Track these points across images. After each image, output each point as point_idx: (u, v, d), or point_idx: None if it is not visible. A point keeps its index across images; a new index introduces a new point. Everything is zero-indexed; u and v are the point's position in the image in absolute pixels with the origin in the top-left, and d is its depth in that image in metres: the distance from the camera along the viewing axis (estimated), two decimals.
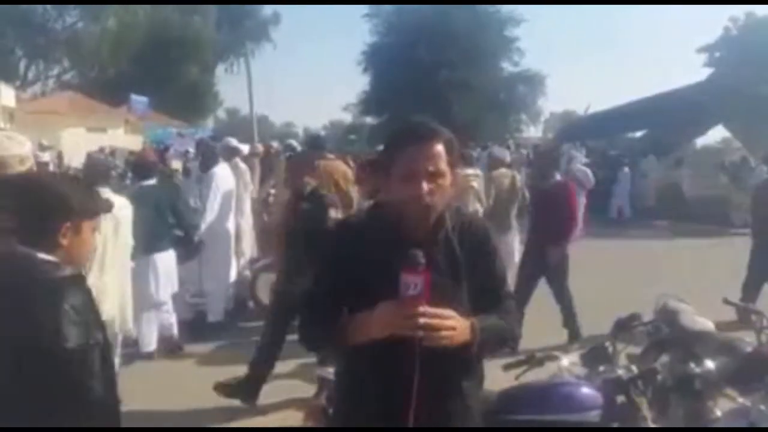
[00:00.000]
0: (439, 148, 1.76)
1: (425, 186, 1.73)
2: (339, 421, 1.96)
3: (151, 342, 5.54)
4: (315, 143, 7.07)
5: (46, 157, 8.22)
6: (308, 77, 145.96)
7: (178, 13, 33.90)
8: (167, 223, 5.59)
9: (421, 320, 1.62)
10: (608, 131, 21.19)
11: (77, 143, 15.57)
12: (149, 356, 5.50)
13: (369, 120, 33.04)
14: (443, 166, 1.76)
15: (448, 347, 1.67)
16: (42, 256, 1.59)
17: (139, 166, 5.92)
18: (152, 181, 5.63)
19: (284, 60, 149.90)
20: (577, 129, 23.46)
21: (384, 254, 1.71)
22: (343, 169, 6.44)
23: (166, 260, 5.61)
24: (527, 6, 30.03)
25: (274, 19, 39.36)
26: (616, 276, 8.34)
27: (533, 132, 35.24)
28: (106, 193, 4.47)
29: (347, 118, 38.65)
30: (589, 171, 12.10)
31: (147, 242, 5.19)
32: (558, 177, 6.08)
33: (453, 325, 1.68)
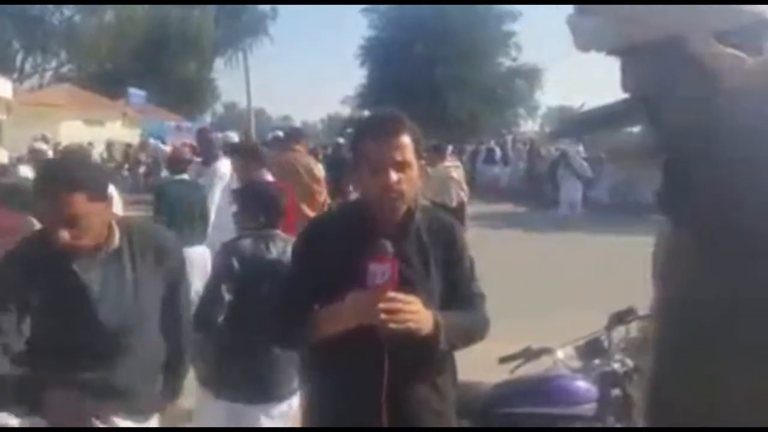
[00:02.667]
0: (406, 139, 1.78)
1: (393, 176, 1.74)
2: (313, 415, 1.95)
3: None
4: (290, 135, 6.85)
5: (44, 146, 8.17)
6: (306, 71, 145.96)
7: (177, 7, 33.77)
8: (200, 216, 5.62)
9: (386, 305, 1.62)
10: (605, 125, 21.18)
11: (75, 136, 15.54)
12: None
13: (367, 114, 33.02)
14: (410, 156, 1.77)
15: (414, 339, 1.68)
16: None
17: (173, 161, 6.03)
18: (185, 176, 5.73)
19: (282, 54, 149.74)
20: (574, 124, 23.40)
21: (354, 248, 1.72)
22: (305, 162, 6.31)
23: (200, 254, 5.62)
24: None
25: (271, 14, 39.24)
26: (612, 270, 8.35)
27: (530, 126, 35.24)
28: None
29: (345, 111, 38.65)
30: (585, 163, 12.38)
31: (180, 236, 5.21)
32: None
33: (415, 309, 1.67)
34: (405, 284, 1.70)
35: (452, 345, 1.82)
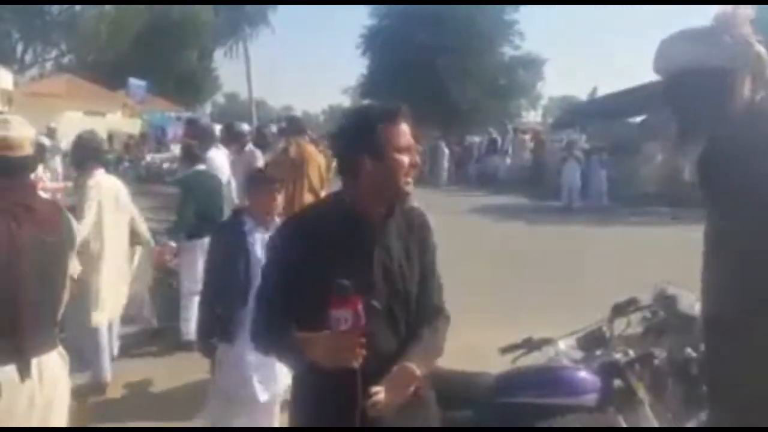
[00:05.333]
0: (409, 128, 1.82)
1: (407, 159, 1.78)
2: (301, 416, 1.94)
3: (190, 331, 5.06)
4: (290, 126, 6.70)
5: (45, 141, 8.16)
6: (307, 61, 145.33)
7: None
8: (217, 207, 5.64)
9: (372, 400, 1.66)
10: (608, 116, 21.11)
11: (75, 127, 15.46)
12: (189, 346, 4.96)
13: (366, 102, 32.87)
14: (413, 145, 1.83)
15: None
16: None
17: (188, 153, 6.02)
18: (203, 167, 5.73)
19: (283, 44, 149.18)
20: (577, 114, 23.34)
21: (340, 236, 1.76)
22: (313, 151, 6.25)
23: None
24: None
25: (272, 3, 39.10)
26: (614, 261, 8.35)
27: (533, 117, 35.15)
28: (98, 172, 4.47)
29: (347, 101, 38.54)
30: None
31: (198, 226, 5.23)
32: None
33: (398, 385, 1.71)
34: (388, 280, 1.78)
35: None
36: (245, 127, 7.72)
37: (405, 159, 1.78)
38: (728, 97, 1.62)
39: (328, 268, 1.68)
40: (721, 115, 1.62)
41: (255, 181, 3.28)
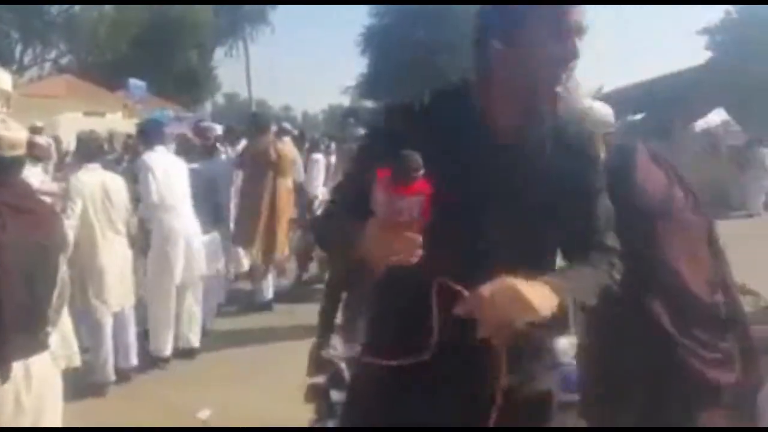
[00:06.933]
0: None
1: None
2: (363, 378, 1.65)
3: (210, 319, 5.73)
4: (253, 123, 6.86)
5: (42, 140, 8.13)
6: (307, 60, 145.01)
7: None
8: (217, 204, 5.92)
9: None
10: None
11: (75, 128, 15.46)
12: (206, 333, 5.61)
13: (368, 103, 32.93)
14: None
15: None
16: None
17: (182, 150, 6.20)
18: (195, 165, 5.86)
19: (283, 43, 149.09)
20: None
21: (457, 138, 1.40)
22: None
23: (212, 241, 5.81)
24: None
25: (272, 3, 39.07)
26: None
27: None
28: (97, 169, 4.50)
29: (346, 101, 38.52)
30: None
31: (212, 218, 5.54)
32: None
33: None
34: (514, 220, 1.35)
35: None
36: (215, 126, 7.91)
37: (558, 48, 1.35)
38: None
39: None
40: None
41: None
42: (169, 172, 4.97)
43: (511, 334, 1.25)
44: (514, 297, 1.21)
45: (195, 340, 5.27)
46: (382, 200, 1.20)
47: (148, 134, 5.26)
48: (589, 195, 1.49)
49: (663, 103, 18.50)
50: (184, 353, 5.21)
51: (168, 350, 5.03)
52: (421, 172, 1.18)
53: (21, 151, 2.25)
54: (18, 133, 2.26)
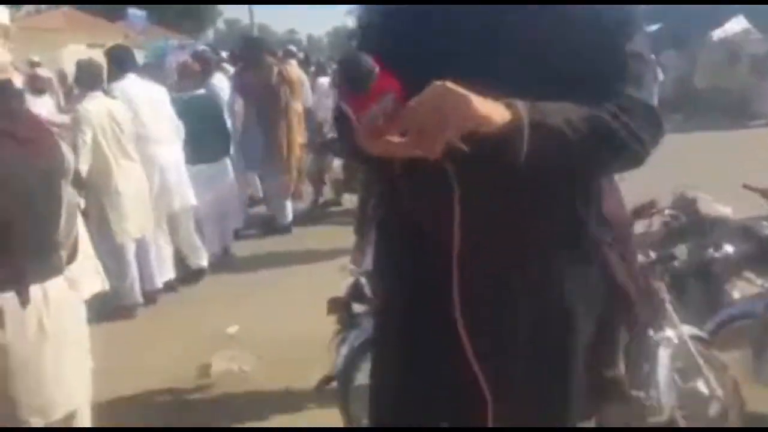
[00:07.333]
0: None
1: None
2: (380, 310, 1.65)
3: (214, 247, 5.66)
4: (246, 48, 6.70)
5: (45, 72, 8.05)
6: None
7: None
8: (223, 130, 5.78)
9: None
10: None
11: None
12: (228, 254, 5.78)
13: None
14: None
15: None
16: None
17: (185, 76, 6.01)
18: (202, 91, 5.81)
19: None
20: None
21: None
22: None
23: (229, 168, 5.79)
24: None
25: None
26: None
27: None
28: (100, 96, 4.46)
29: (351, 22, 37.53)
30: None
31: (211, 149, 5.43)
32: None
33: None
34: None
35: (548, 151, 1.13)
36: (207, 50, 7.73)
37: None
38: None
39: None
40: None
41: None
42: (142, 98, 4.80)
43: (449, 147, 1.07)
44: (445, 94, 1.04)
45: (203, 261, 5.36)
46: (355, 114, 1.12)
47: (118, 61, 5.01)
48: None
49: (679, 12, 17.84)
50: (196, 274, 5.33)
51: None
52: (376, 70, 1.06)
53: (8, 75, 2.17)
54: (3, 55, 2.19)
